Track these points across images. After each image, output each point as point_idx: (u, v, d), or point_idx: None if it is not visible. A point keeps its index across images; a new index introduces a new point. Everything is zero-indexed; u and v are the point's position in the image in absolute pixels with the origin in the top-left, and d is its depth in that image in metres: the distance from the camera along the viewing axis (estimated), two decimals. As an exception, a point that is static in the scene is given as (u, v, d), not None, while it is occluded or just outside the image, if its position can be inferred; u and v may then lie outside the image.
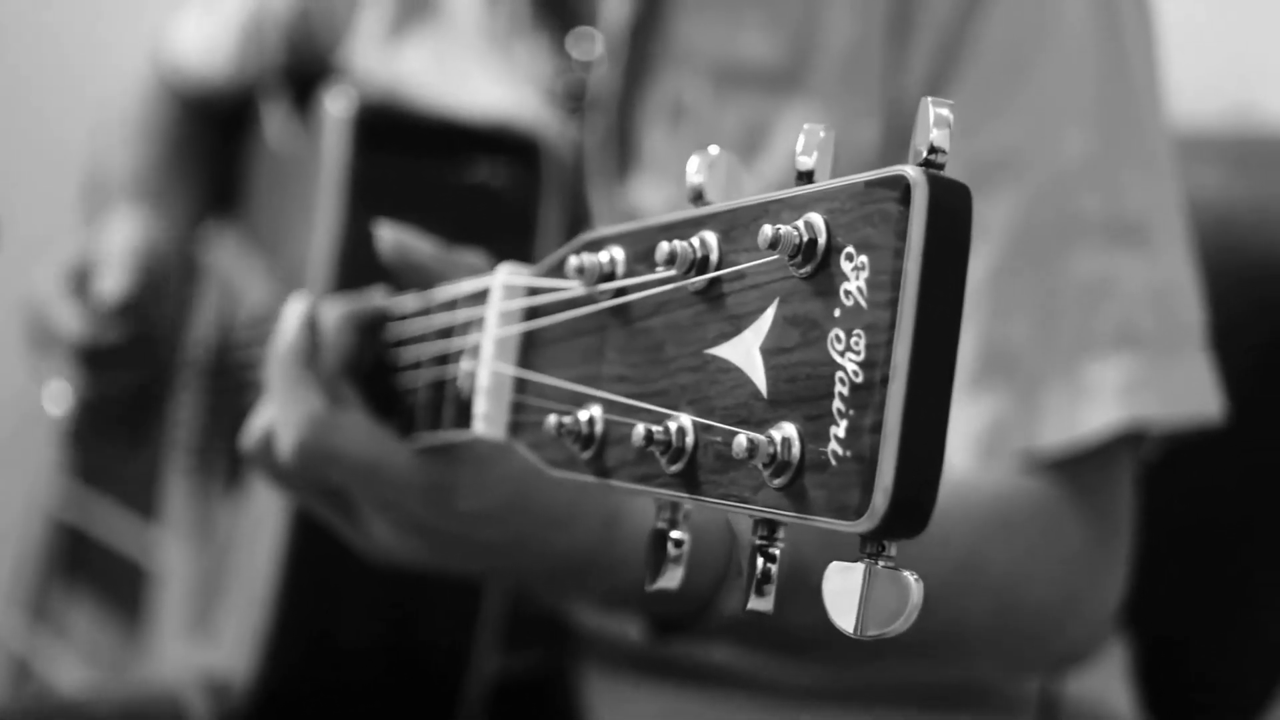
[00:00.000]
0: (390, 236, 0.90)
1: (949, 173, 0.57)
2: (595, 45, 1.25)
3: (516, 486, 0.87)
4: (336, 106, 1.22)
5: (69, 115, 2.27)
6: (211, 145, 1.67)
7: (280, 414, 0.89)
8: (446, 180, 1.22)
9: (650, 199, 1.20)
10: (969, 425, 1.10)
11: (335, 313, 0.93)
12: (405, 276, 0.91)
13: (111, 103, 1.78)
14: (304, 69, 1.50)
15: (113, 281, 1.43)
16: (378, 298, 0.94)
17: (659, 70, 1.22)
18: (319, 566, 1.16)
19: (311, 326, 0.91)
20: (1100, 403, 1.09)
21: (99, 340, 1.44)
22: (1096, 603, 1.14)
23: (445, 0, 1.38)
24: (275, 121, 1.48)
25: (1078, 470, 1.11)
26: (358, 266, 1.17)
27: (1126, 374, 1.09)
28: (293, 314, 0.92)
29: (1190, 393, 1.12)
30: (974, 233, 1.09)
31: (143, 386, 1.52)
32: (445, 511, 0.87)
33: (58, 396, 1.51)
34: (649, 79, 1.22)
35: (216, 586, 1.40)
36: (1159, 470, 1.21)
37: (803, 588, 0.95)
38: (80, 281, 1.47)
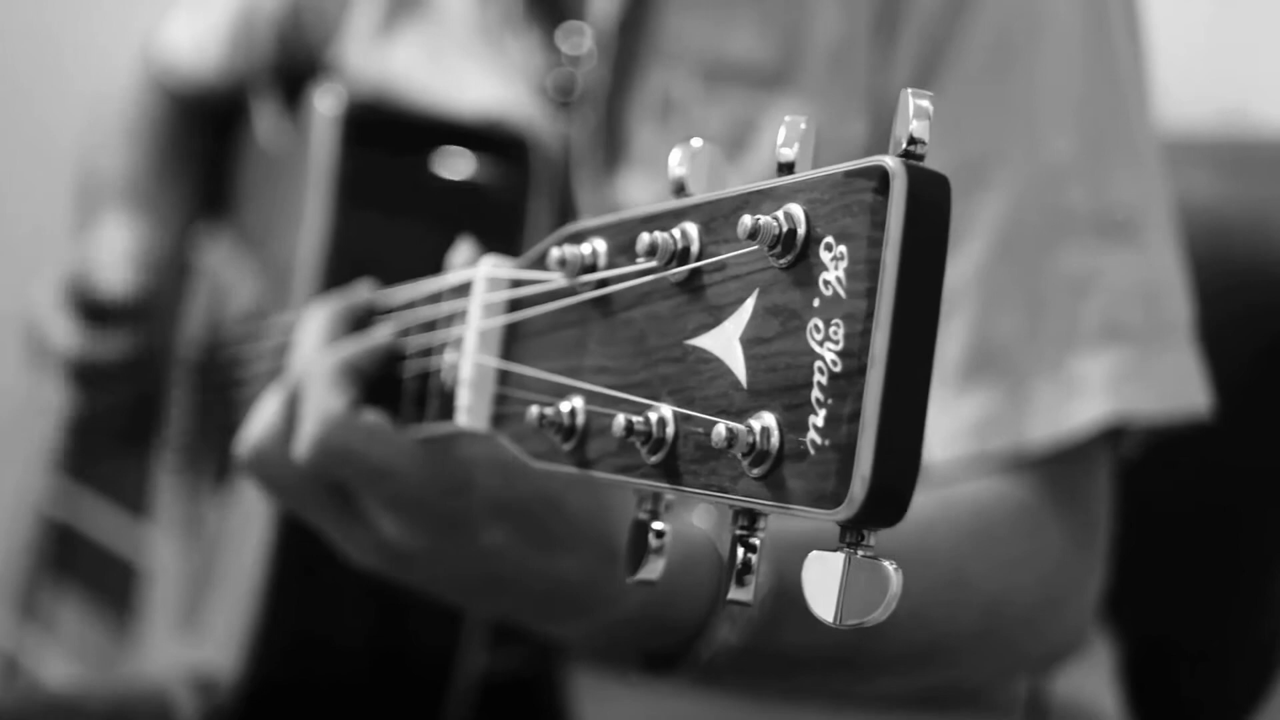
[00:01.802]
0: None
1: (936, 167, 0.57)
2: (585, 40, 1.25)
3: (530, 504, 0.87)
4: (325, 104, 1.22)
5: (61, 114, 2.27)
6: (203, 144, 1.67)
7: (301, 413, 0.88)
8: (435, 178, 1.22)
9: (638, 194, 1.20)
10: (958, 421, 1.10)
11: (328, 311, 0.93)
12: None
13: (104, 101, 1.78)
14: (295, 66, 1.50)
15: (111, 282, 1.42)
16: (364, 292, 0.94)
17: (648, 66, 1.22)
18: (306, 563, 1.16)
19: (330, 332, 0.91)
20: (1087, 396, 1.09)
21: (95, 355, 1.43)
22: (1078, 604, 1.15)
23: None
24: (266, 120, 1.48)
25: (1061, 468, 1.11)
26: (346, 263, 1.17)
27: (1113, 367, 1.09)
28: (314, 321, 0.92)
29: (1177, 386, 1.12)
30: (961, 228, 1.10)
31: (139, 399, 1.51)
32: (459, 501, 0.86)
33: (53, 408, 1.51)
34: (638, 74, 1.22)
35: (205, 583, 1.40)
36: (1148, 470, 1.22)
37: (793, 609, 0.95)
38: (75, 292, 1.47)
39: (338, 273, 1.17)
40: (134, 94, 1.71)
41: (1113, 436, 1.13)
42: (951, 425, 1.11)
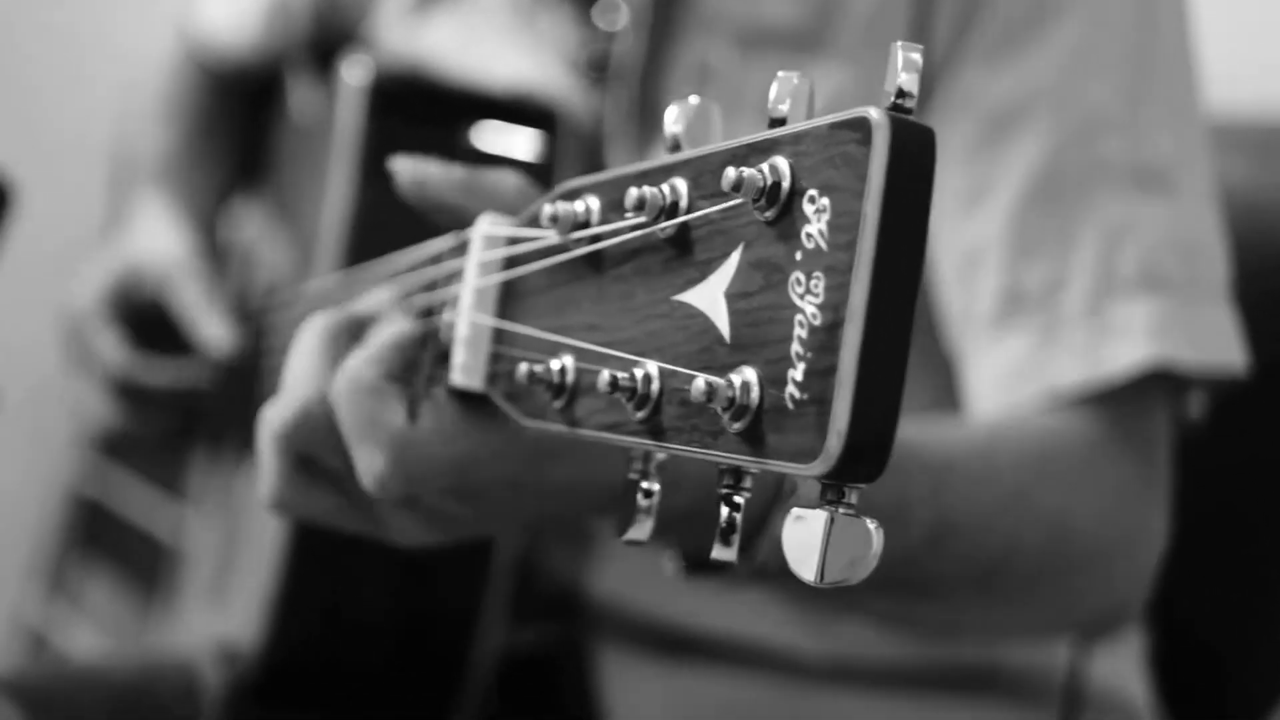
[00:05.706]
0: (408, 171, 0.84)
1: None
2: (620, 15, 1.24)
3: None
4: (352, 75, 1.22)
5: (82, 101, 2.29)
6: (239, 120, 1.68)
7: (358, 443, 0.80)
8: (463, 149, 1.22)
9: None
10: (993, 366, 1.10)
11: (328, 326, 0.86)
12: (431, 215, 0.84)
13: (135, 89, 1.79)
14: (331, 42, 1.51)
15: (218, 338, 1.42)
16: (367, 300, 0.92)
17: (684, 35, 1.21)
18: (325, 534, 1.16)
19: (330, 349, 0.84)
20: (1129, 341, 1.07)
21: (141, 379, 1.43)
22: (1144, 541, 1.12)
23: None
24: (300, 94, 1.48)
25: (1114, 408, 1.09)
26: (368, 233, 1.17)
27: (1154, 315, 1.08)
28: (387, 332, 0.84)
29: (1217, 340, 1.10)
30: (996, 175, 1.09)
31: (179, 429, 1.51)
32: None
33: (90, 415, 1.51)
34: (674, 45, 1.21)
35: (231, 557, 1.41)
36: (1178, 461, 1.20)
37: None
38: (122, 303, 1.47)
39: (360, 242, 1.17)
40: (170, 71, 1.72)
41: (1165, 384, 1.11)
42: (986, 370, 1.10)
